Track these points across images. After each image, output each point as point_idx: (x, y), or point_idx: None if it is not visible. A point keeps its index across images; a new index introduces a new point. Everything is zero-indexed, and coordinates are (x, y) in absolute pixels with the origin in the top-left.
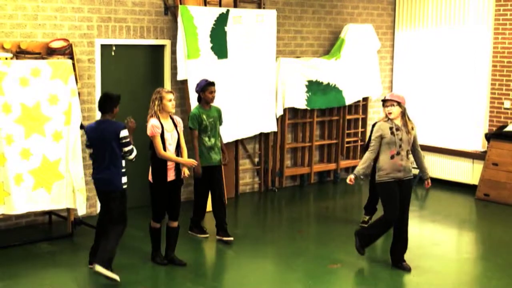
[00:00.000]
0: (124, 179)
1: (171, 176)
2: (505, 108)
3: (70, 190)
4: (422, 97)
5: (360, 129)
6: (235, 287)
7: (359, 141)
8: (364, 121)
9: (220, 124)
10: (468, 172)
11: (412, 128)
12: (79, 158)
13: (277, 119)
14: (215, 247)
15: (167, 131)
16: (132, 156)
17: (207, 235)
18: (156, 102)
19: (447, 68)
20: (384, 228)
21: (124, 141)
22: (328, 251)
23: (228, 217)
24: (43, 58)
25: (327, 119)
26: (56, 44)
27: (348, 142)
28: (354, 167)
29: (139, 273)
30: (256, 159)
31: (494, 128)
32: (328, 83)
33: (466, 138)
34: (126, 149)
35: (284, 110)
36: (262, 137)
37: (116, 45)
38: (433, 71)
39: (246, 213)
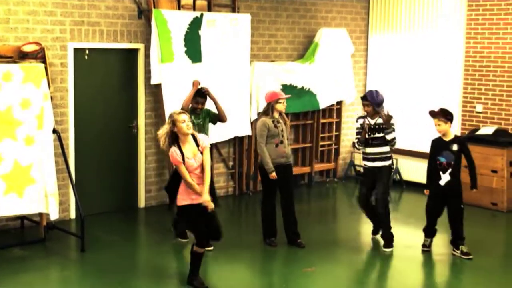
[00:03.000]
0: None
1: (193, 199)
2: (477, 112)
3: (42, 194)
4: (396, 101)
5: (334, 133)
6: None
7: (333, 144)
8: (338, 124)
9: (213, 122)
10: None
11: (287, 120)
12: (52, 162)
13: (251, 123)
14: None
15: (188, 158)
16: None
17: (187, 240)
18: (169, 127)
19: (420, 72)
20: (264, 217)
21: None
22: (303, 255)
23: None
24: (15, 62)
25: (301, 123)
26: (28, 48)
27: (322, 146)
28: (328, 171)
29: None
30: (231, 163)
31: (467, 132)
32: (303, 87)
33: None
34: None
35: (258, 114)
36: (237, 141)
37: (89, 49)
38: (407, 75)
39: (220, 217)
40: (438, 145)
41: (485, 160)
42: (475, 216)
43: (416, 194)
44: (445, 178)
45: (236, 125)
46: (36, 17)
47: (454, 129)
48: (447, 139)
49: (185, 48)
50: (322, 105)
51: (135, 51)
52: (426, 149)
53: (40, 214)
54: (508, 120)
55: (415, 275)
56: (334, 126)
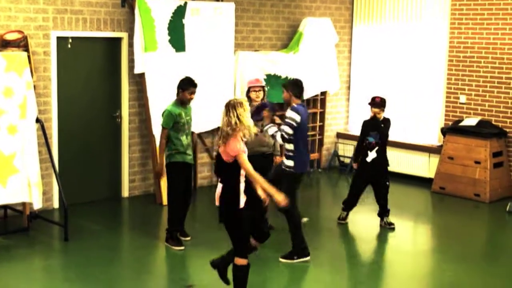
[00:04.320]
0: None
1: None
2: (460, 103)
3: (25, 184)
4: (379, 92)
5: (318, 123)
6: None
7: (317, 135)
8: (322, 115)
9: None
10: (425, 166)
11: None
12: (35, 152)
13: None
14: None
15: (244, 152)
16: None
17: (182, 248)
18: (235, 113)
19: (404, 62)
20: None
21: None
22: (285, 243)
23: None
24: None
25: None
26: (10, 36)
27: None
28: (312, 161)
29: None
30: (214, 153)
31: (450, 123)
32: (287, 77)
33: (423, 132)
34: None
35: None
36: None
37: (72, 38)
38: (391, 66)
39: (204, 207)
40: (370, 126)
41: (469, 151)
42: (458, 207)
43: (400, 185)
44: (371, 155)
45: (219, 115)
46: (18, 5)
47: (437, 120)
48: (378, 121)
49: (169, 37)
50: (306, 95)
51: (118, 40)
52: (409, 139)
53: (24, 204)
54: (491, 111)
55: (399, 266)
56: (318, 117)
